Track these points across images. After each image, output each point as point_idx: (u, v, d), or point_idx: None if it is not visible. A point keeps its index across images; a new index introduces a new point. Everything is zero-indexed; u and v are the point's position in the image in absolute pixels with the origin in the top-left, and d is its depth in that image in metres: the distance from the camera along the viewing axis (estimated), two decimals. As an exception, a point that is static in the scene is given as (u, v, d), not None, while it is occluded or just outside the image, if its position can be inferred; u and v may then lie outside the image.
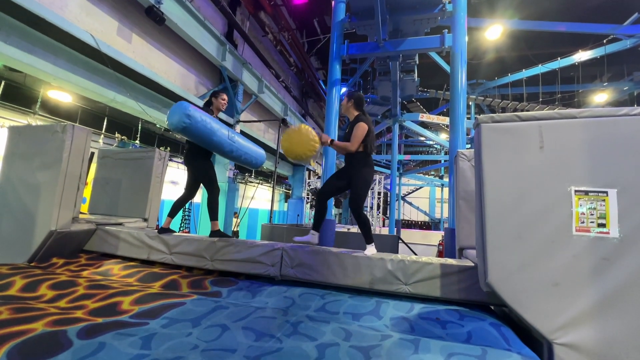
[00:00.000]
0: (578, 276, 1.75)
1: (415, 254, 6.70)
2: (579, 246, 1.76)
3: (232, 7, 8.71)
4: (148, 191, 3.92)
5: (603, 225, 1.72)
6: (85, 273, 2.70)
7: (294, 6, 11.16)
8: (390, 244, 5.86)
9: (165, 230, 3.18)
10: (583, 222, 1.75)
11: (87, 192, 4.83)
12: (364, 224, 2.71)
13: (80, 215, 3.77)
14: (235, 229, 11.57)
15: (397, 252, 5.99)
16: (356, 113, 2.77)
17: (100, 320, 1.57)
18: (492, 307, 2.36)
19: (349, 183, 2.79)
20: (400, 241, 6.03)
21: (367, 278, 2.44)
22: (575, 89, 12.28)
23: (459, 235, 2.91)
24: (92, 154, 4.38)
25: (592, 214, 1.75)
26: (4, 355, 1.19)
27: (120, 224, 3.59)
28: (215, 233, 3.14)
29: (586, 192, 1.78)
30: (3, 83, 5.37)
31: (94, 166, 4.46)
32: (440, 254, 6.08)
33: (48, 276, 2.33)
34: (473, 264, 2.31)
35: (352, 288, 2.47)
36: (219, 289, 2.44)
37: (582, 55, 9.90)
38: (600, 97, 13.05)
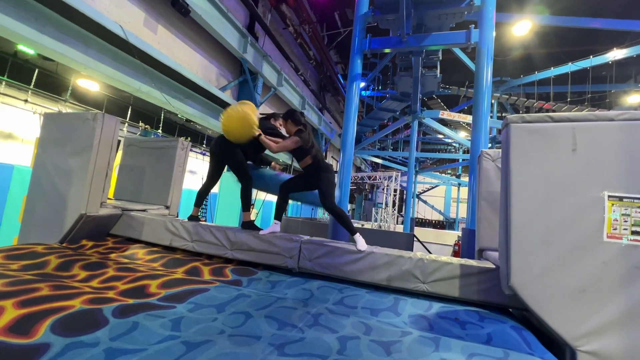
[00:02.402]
0: (607, 284, 1.70)
1: (430, 252, 6.65)
2: (610, 253, 1.71)
3: (255, -1, 8.73)
4: (170, 179, 4.03)
5: (637, 233, 1.66)
6: (112, 255, 2.82)
7: (316, -1, 11.07)
8: (405, 242, 5.83)
9: (193, 218, 3.29)
10: (615, 229, 1.70)
11: (113, 178, 5.02)
12: (341, 217, 2.82)
13: (107, 201, 3.93)
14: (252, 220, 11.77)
15: (411, 250, 5.96)
16: (296, 129, 2.90)
17: (131, 301, 1.65)
18: (511, 310, 2.32)
19: (312, 186, 2.96)
20: (415, 239, 5.98)
21: (384, 275, 2.45)
22: (607, 89, 11.69)
23: (479, 236, 2.87)
24: (119, 141, 4.52)
25: (625, 221, 1.69)
26: (48, 327, 1.27)
27: (144, 210, 3.72)
28: (246, 224, 3.16)
29: (620, 198, 1.71)
30: (37, 71, 5.62)
31: (119, 154, 4.62)
32: (455, 254, 6.00)
33: (79, 257, 2.45)
34: (494, 266, 2.28)
35: (369, 284, 2.49)
36: (240, 277, 2.50)
37: (617, 54, 9.40)
38: (634, 98, 12.41)
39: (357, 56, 5.94)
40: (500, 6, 5.89)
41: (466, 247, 4.79)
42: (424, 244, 7.05)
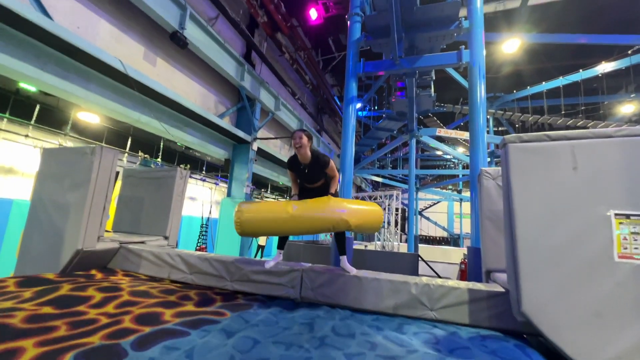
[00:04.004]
0: (623, 306, 1.63)
1: (437, 273, 6.48)
2: (623, 274, 1.64)
3: (250, 29, 9.05)
4: (169, 210, 3.99)
5: (649, 252, 1.60)
6: (124, 280, 2.74)
7: (310, 26, 11.48)
8: (410, 263, 5.69)
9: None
10: (626, 248, 1.64)
11: (111, 210, 4.98)
12: (343, 235, 2.83)
13: (105, 234, 3.88)
14: (262, 244, 11.63)
15: (417, 271, 5.81)
16: (310, 150, 2.72)
17: (147, 329, 1.71)
18: (525, 336, 2.22)
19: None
20: (420, 259, 5.85)
21: (390, 303, 2.36)
22: (599, 100, 11.88)
23: (485, 257, 2.79)
24: (117, 172, 4.53)
25: (635, 240, 1.63)
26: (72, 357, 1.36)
27: (142, 242, 3.65)
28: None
29: (627, 216, 1.67)
30: (38, 107, 5.73)
31: (118, 184, 4.61)
32: (462, 274, 5.85)
33: (93, 284, 2.40)
34: (503, 290, 2.20)
35: (375, 312, 2.39)
36: (249, 303, 2.42)
37: (606, 67, 9.61)
38: (628, 108, 12.57)
39: (352, 79, 6.05)
40: (488, 26, 6.07)
41: (473, 266, 4.67)
42: (430, 263, 6.89)
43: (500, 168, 2.95)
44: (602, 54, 9.82)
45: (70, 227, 2.99)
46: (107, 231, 4.22)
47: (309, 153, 2.69)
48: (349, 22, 6.45)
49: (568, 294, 1.70)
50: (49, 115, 6.10)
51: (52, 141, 6.06)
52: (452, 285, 2.28)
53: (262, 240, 11.37)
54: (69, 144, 6.15)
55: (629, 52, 8.90)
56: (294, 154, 2.80)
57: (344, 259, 2.69)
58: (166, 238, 3.98)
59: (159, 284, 2.86)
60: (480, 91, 5.24)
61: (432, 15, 5.80)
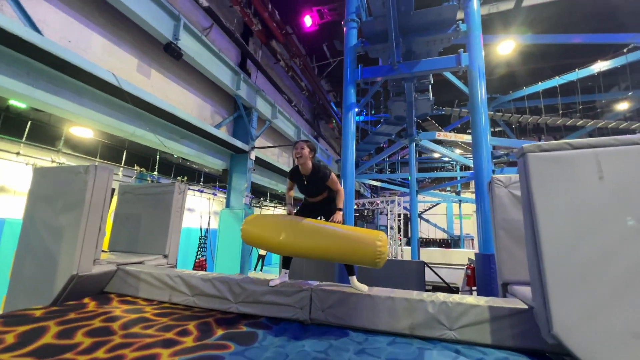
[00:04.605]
0: (662, 326, 1.51)
1: (445, 282, 6.36)
2: (661, 291, 1.53)
3: (245, 37, 8.98)
4: (168, 227, 3.84)
5: (690, 268, 1.49)
6: (118, 312, 2.57)
7: (304, 33, 11.44)
8: (415, 271, 5.56)
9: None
10: (664, 264, 1.53)
11: (108, 226, 4.82)
12: None
13: (101, 254, 3.72)
14: (262, 254, 11.43)
15: (424, 279, 5.67)
16: (312, 162, 2.67)
17: None
18: (548, 355, 2.09)
19: (318, 216, 2.82)
20: (426, 266, 5.73)
21: (406, 323, 2.23)
22: (596, 98, 11.91)
23: (501, 269, 2.68)
24: (113, 189, 4.38)
25: (673, 254, 1.53)
26: None
27: (140, 262, 3.50)
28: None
29: (662, 228, 1.56)
30: (29, 123, 5.57)
31: (115, 199, 4.46)
32: (469, 279, 5.73)
33: (82, 323, 2.22)
34: (526, 306, 2.08)
35: (390, 333, 2.26)
36: (254, 330, 2.26)
37: (602, 65, 9.65)
38: (622, 105, 12.62)
39: (351, 86, 5.98)
40: (484, 28, 6.02)
41: (482, 274, 4.56)
42: (431, 266, 6.75)
43: (512, 175, 2.85)
44: (597, 53, 9.87)
45: (65, 251, 2.84)
46: (103, 251, 4.06)
47: (309, 164, 2.63)
48: (345, 28, 6.40)
49: (602, 313, 1.59)
50: (40, 131, 5.94)
51: (45, 158, 5.90)
52: (471, 303, 2.16)
53: (262, 250, 11.21)
54: (62, 160, 5.99)
55: (625, 50, 8.96)
56: (294, 167, 2.77)
57: (353, 279, 2.56)
58: (165, 257, 3.83)
59: (159, 309, 2.71)
60: (481, 94, 5.19)
61: (429, 19, 5.76)
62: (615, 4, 9.94)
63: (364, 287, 2.49)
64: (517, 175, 2.83)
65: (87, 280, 2.93)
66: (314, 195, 2.79)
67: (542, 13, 9.88)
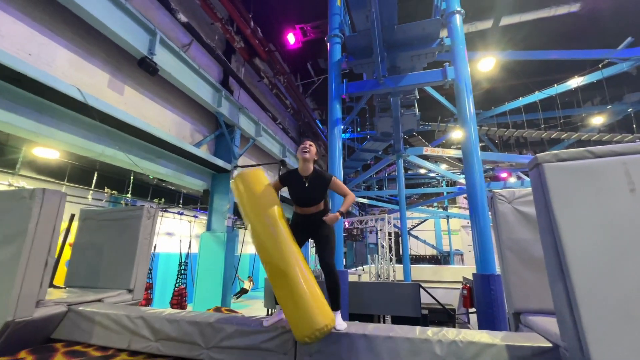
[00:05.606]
0: None
1: (441, 304, 6.00)
2: None
3: (227, 55, 8.79)
4: (134, 257, 3.39)
5: None
6: None
7: (288, 51, 11.41)
8: (410, 294, 5.21)
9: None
10: None
11: (65, 261, 4.29)
12: (335, 283, 2.25)
13: (54, 291, 3.22)
14: (245, 287, 10.78)
15: (419, 303, 5.32)
16: (314, 165, 2.49)
17: None
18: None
19: (315, 235, 2.42)
20: (421, 289, 5.38)
21: (410, 369, 1.87)
22: (577, 112, 12.26)
23: (511, 296, 2.37)
24: (73, 215, 3.91)
25: None
26: None
27: (98, 300, 3.02)
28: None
29: None
30: (-16, 144, 5.08)
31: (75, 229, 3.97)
32: (465, 300, 5.41)
33: None
34: (550, 344, 1.76)
35: (391, 383, 1.89)
36: None
37: (579, 81, 9.97)
38: (597, 119, 13.02)
39: (336, 101, 5.80)
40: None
41: (481, 296, 4.25)
42: (422, 283, 6.40)
43: (515, 190, 2.61)
44: (577, 69, 10.20)
45: (0, 292, 2.36)
46: (58, 287, 3.55)
47: (312, 165, 2.42)
48: (328, 43, 6.29)
49: (654, 357, 1.28)
50: (-2, 152, 5.42)
51: (1, 182, 5.34)
52: (486, 342, 1.82)
53: (246, 284, 10.63)
54: (21, 184, 5.44)
55: (600, 65, 9.29)
56: (291, 170, 2.50)
57: (337, 316, 2.15)
58: (130, 291, 3.35)
59: (114, 361, 2.25)
60: (469, 107, 5.08)
61: (413, 34, 5.72)
62: (582, 26, 10.44)
63: (342, 325, 2.12)
64: (521, 189, 2.60)
65: (27, 327, 2.44)
66: (310, 203, 2.40)
67: (518, 32, 10.23)
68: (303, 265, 2.06)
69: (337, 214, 2.30)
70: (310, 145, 2.41)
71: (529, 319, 2.16)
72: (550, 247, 1.59)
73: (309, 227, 2.43)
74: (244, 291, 10.94)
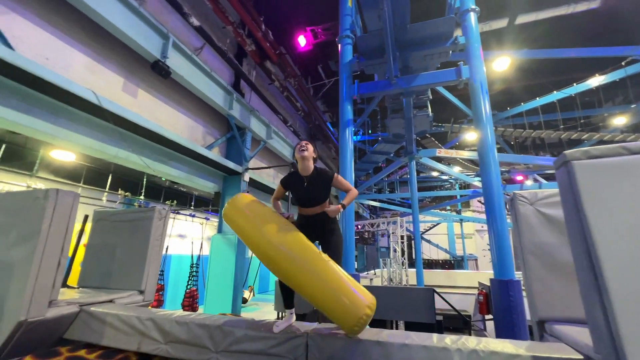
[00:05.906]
0: None
1: (457, 310, 5.82)
2: None
3: (239, 58, 8.87)
4: (145, 258, 3.39)
5: None
6: None
7: (299, 53, 11.43)
8: (424, 299, 5.06)
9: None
10: None
11: (79, 261, 4.34)
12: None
13: (67, 291, 3.24)
14: (245, 297, 10.75)
15: (434, 309, 5.15)
16: (314, 163, 2.42)
17: None
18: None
19: (320, 237, 2.39)
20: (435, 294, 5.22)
21: (428, 379, 1.77)
22: (598, 112, 11.80)
23: (535, 304, 2.24)
24: (86, 216, 3.95)
25: None
26: None
27: (110, 301, 3.02)
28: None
29: None
30: (4, 146, 5.21)
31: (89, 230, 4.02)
32: (481, 306, 5.22)
33: None
34: (581, 356, 1.64)
35: (407, 393, 1.79)
36: None
37: (600, 79, 9.59)
38: (620, 120, 12.52)
39: (347, 102, 5.74)
40: (480, 44, 5.84)
41: (499, 302, 4.09)
42: (436, 288, 6.22)
43: (537, 191, 2.48)
44: (598, 67, 9.84)
45: (13, 292, 2.38)
46: (71, 287, 3.58)
47: (311, 164, 2.35)
48: (339, 44, 6.25)
49: None
50: (16, 155, 5.57)
51: (20, 183, 5.48)
52: (509, 352, 1.71)
53: (246, 294, 10.59)
54: (39, 185, 5.58)
55: (623, 63, 8.92)
56: (291, 172, 2.49)
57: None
58: (141, 292, 3.35)
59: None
60: (485, 107, 4.93)
61: (426, 33, 5.61)
62: (603, 23, 10.07)
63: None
64: (543, 190, 2.47)
65: (40, 327, 2.45)
66: (313, 203, 2.34)
67: (535, 31, 9.96)
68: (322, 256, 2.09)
69: (339, 206, 2.32)
70: (307, 143, 2.38)
71: (556, 328, 2.02)
72: (581, 252, 1.47)
73: (314, 228, 2.36)
74: (243, 301, 10.95)
